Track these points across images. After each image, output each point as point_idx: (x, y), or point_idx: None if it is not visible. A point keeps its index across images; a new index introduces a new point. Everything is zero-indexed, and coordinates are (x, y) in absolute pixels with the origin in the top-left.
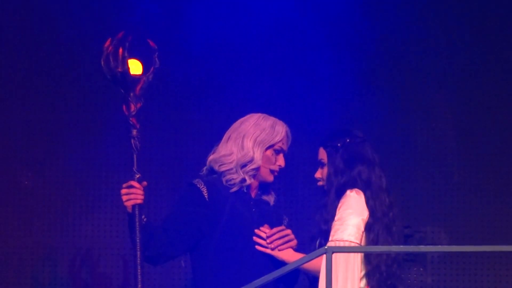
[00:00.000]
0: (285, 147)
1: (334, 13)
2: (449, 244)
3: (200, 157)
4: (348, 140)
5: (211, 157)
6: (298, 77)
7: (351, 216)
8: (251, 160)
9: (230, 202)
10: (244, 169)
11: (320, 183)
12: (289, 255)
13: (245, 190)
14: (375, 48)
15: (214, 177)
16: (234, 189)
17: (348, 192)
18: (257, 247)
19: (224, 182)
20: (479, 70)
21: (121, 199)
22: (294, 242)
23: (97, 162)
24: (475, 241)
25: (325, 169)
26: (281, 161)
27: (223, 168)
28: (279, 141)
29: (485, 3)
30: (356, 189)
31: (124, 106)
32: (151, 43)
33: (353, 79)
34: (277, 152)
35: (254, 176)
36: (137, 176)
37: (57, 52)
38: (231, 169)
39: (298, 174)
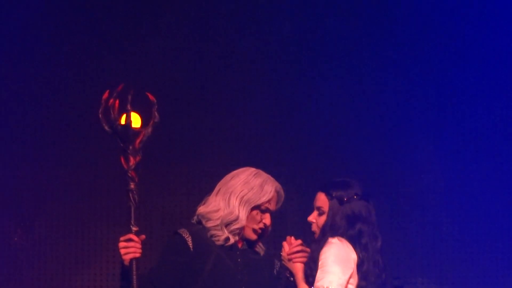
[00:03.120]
0: (272, 207)
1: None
2: None
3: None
4: (355, 196)
5: (200, 209)
6: (290, 127)
7: (333, 264)
8: (236, 219)
9: (215, 252)
10: (228, 227)
11: (313, 228)
12: (298, 270)
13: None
14: (366, 92)
15: (201, 227)
16: (219, 243)
17: (330, 239)
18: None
19: (209, 236)
20: (468, 114)
21: (116, 253)
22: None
23: (85, 217)
24: None
25: (322, 217)
26: (267, 219)
27: (209, 224)
28: (266, 201)
29: None
30: (338, 236)
31: (122, 159)
32: (150, 96)
33: (345, 123)
34: (263, 211)
35: (238, 235)
36: (135, 229)
37: (49, 103)
38: (217, 225)
39: (287, 221)
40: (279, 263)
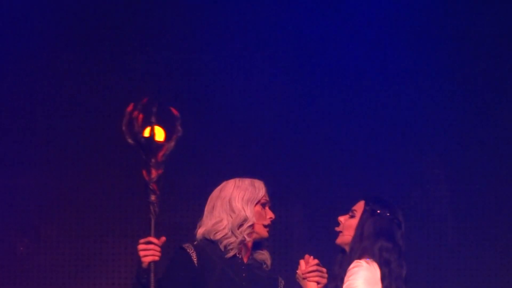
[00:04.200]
0: (269, 199)
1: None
2: None
3: None
4: (388, 214)
5: (201, 231)
6: (298, 141)
7: (360, 283)
8: (246, 219)
9: (219, 267)
10: (241, 229)
11: (338, 228)
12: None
13: (238, 254)
14: (368, 102)
15: (206, 242)
16: (231, 253)
17: (358, 260)
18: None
19: (222, 249)
20: (472, 124)
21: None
22: (324, 280)
23: (91, 227)
24: None
25: (351, 220)
26: (270, 213)
27: (218, 236)
28: (263, 195)
29: None
30: (368, 259)
31: (144, 172)
32: (174, 111)
33: (349, 133)
34: (264, 205)
35: (251, 234)
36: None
37: (72, 112)
38: (226, 234)
39: (292, 236)
40: (283, 282)
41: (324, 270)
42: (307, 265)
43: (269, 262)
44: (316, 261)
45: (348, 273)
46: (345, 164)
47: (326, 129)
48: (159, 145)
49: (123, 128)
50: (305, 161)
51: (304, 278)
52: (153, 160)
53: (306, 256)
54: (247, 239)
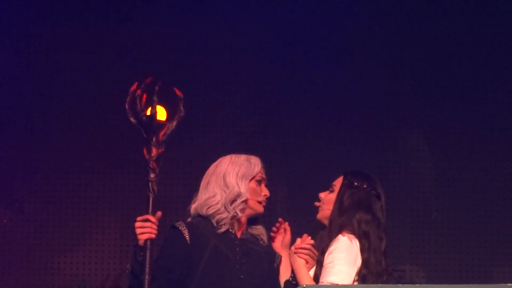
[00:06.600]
0: (264, 176)
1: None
2: (427, 283)
3: None
4: (365, 186)
5: (194, 206)
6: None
7: (343, 261)
8: (239, 194)
9: (212, 243)
10: (234, 204)
11: (317, 203)
12: (299, 265)
13: (230, 230)
14: (360, 97)
15: (198, 220)
16: (223, 229)
17: (340, 236)
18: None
19: (215, 224)
20: (456, 100)
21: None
22: (312, 262)
23: (76, 199)
24: (452, 279)
25: (330, 195)
26: (265, 191)
27: (211, 211)
28: (258, 171)
29: None
30: (349, 234)
31: (145, 150)
32: (177, 91)
33: (332, 114)
34: (259, 182)
35: (244, 210)
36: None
37: (75, 91)
38: (219, 209)
39: (276, 213)
40: (280, 257)
41: (316, 253)
42: (302, 242)
43: (265, 237)
44: (311, 241)
45: (329, 249)
46: (329, 140)
47: (309, 105)
48: (161, 124)
49: (126, 106)
50: (290, 136)
51: (295, 253)
52: (154, 139)
53: (305, 235)
54: (239, 214)
